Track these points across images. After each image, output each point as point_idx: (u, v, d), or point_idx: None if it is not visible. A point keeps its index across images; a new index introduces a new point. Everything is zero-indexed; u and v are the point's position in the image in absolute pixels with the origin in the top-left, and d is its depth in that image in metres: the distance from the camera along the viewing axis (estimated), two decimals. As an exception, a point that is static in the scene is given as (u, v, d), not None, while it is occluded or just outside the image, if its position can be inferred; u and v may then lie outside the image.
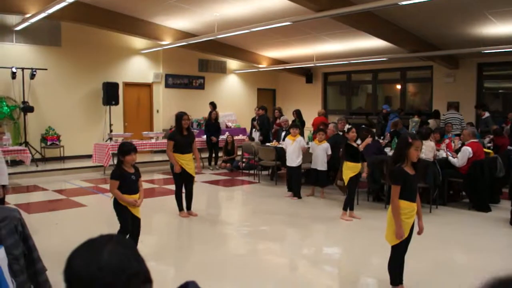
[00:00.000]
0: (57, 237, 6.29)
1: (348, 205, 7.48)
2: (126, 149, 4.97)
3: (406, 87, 17.02)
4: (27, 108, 12.44)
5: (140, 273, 1.24)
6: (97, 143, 12.30)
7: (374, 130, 11.37)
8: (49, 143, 13.13)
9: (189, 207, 7.61)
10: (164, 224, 7.50)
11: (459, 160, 8.20)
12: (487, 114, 12.37)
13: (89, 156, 12.64)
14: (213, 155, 13.26)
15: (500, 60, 13.99)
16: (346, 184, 7.57)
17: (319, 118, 13.39)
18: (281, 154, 10.03)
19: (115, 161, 8.26)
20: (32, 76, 12.57)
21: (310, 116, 14.54)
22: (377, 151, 8.67)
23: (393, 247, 4.38)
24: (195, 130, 12.78)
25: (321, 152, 9.04)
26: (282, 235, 6.85)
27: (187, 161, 7.35)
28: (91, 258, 1.21)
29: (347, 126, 8.37)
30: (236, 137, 14.01)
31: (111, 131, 13.89)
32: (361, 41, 13.37)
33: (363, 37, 12.55)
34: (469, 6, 9.80)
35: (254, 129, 13.82)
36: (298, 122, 12.20)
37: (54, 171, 11.96)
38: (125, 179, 4.95)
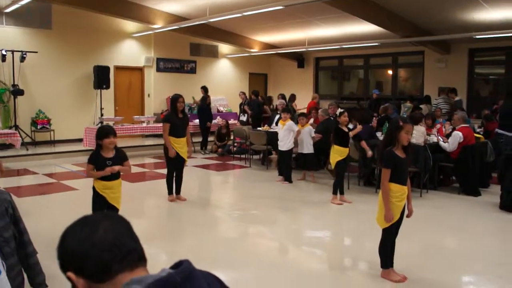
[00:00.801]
0: (47, 221, 6.28)
1: (337, 189, 7.51)
2: (103, 131, 4.74)
3: (398, 72, 17.05)
4: (17, 91, 12.33)
5: (135, 250, 1.24)
6: (88, 127, 12.23)
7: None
8: (39, 126, 13.04)
9: (178, 191, 7.58)
10: (155, 208, 7.51)
11: (450, 145, 8.24)
12: (457, 98, 12.60)
13: (80, 140, 12.58)
14: (206, 141, 13.26)
15: (491, 45, 14.03)
16: (333, 167, 7.60)
17: (312, 102, 13.44)
18: (272, 138, 10.04)
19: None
20: (22, 59, 12.43)
21: (302, 101, 14.56)
22: (369, 135, 8.69)
23: (384, 230, 4.41)
24: (186, 115, 12.74)
25: (305, 135, 9.07)
26: (272, 219, 6.88)
27: (181, 145, 7.31)
28: (86, 234, 1.20)
29: (339, 110, 8.37)
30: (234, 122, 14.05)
31: (102, 115, 13.81)
32: (353, 26, 13.34)
33: (355, 22, 12.52)
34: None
35: (242, 113, 13.92)
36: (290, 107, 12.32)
37: (44, 155, 11.88)
38: (99, 164, 4.75)
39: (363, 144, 7.69)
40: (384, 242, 4.43)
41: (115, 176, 4.88)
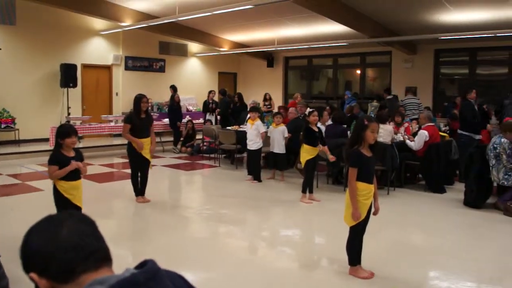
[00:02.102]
0: (12, 223, 6.15)
1: (307, 188, 7.56)
2: (65, 131, 4.63)
3: (366, 72, 17.26)
4: (-20, 90, 12.05)
5: (99, 250, 1.23)
6: (54, 126, 11.96)
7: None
8: (3, 126, 12.72)
9: (142, 193, 7.44)
10: (123, 208, 7.42)
11: (416, 143, 8.40)
12: (389, 96, 13.16)
13: (46, 140, 12.33)
14: (179, 138, 13.22)
15: (455, 46, 14.35)
16: (302, 166, 7.65)
17: (293, 101, 13.54)
18: (241, 137, 10.04)
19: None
20: (-15, 56, 12.15)
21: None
22: (341, 134, 8.77)
23: (351, 228, 4.46)
24: (155, 114, 12.65)
25: (278, 135, 9.10)
26: (242, 218, 6.89)
27: (145, 145, 7.17)
28: (50, 234, 1.19)
29: (308, 109, 8.41)
30: (197, 121, 13.96)
31: (69, 114, 13.59)
32: (322, 26, 13.46)
33: (324, 22, 12.63)
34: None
35: (208, 113, 13.92)
36: (241, 106, 12.50)
37: (8, 155, 11.61)
38: (63, 164, 4.64)
39: (325, 149, 7.69)
40: (352, 240, 4.49)
41: (78, 176, 4.79)
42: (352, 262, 4.51)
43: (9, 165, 10.71)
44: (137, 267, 1.20)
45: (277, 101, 17.64)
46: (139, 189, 7.42)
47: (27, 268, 1.20)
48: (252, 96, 15.37)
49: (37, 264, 1.18)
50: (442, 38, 12.59)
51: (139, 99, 7.18)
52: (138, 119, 7.15)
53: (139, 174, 7.38)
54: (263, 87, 17.77)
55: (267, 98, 14.50)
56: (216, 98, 14.67)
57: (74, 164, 4.65)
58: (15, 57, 13.26)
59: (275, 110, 13.00)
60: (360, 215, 4.32)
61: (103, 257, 1.23)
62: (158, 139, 12.14)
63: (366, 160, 4.34)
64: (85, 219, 1.28)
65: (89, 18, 14.30)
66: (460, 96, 9.89)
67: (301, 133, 7.74)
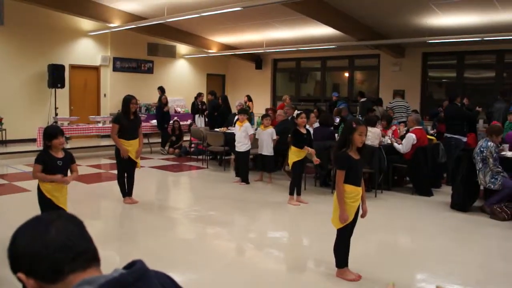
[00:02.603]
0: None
1: (294, 190, 7.58)
2: (52, 132, 4.58)
3: (354, 75, 17.34)
4: (-34, 90, 11.94)
5: (87, 250, 1.23)
6: (42, 127, 11.91)
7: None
8: (-10, 126, 12.65)
9: (130, 193, 7.42)
10: (110, 210, 7.38)
11: (404, 146, 8.44)
12: (362, 99, 13.71)
13: (33, 140, 12.23)
14: (167, 139, 13.17)
15: (443, 50, 14.44)
16: (290, 167, 7.67)
17: (282, 104, 13.56)
18: (229, 139, 10.04)
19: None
20: (-28, 56, 12.04)
21: (259, 103, 14.64)
22: (328, 137, 8.79)
23: (339, 231, 4.48)
24: (142, 115, 12.61)
25: (266, 137, 9.11)
26: (230, 220, 6.88)
27: (132, 147, 7.15)
28: (38, 235, 1.19)
29: (296, 112, 8.42)
30: (185, 123, 13.93)
31: (56, 114, 13.50)
32: (311, 29, 13.50)
33: (312, 25, 12.67)
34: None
35: (198, 115, 13.87)
36: (225, 108, 12.43)
37: (-5, 155, 11.54)
38: (50, 164, 4.59)
39: (312, 151, 7.66)
40: (339, 242, 4.50)
41: None
42: (339, 264, 4.53)
43: (-5, 165, 10.62)
44: (125, 268, 1.20)
45: (266, 103, 17.68)
46: (126, 190, 7.40)
47: (15, 268, 1.19)
48: (240, 98, 15.36)
49: (25, 264, 1.18)
50: (430, 41, 12.69)
51: (128, 101, 7.13)
52: (127, 120, 7.11)
53: (125, 175, 7.35)
54: (251, 89, 17.79)
55: (245, 101, 14.58)
56: (204, 99, 14.64)
57: (59, 178, 4.61)
58: (2, 57, 13.16)
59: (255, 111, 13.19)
60: (347, 218, 4.34)
61: (91, 258, 1.23)
62: (146, 140, 12.13)
63: (354, 163, 4.36)
64: (74, 219, 1.27)
65: (77, 18, 14.23)
66: (449, 98, 9.97)
67: (289, 135, 7.75)
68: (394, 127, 9.92)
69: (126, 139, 7.09)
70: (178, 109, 17.33)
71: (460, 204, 7.28)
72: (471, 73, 14.62)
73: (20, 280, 1.18)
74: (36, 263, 1.16)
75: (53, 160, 4.60)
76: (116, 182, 7.50)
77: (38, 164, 4.60)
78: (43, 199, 4.73)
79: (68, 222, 1.24)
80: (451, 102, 9.79)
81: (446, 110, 10.05)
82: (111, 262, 4.68)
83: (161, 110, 13.18)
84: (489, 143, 7.11)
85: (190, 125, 13.51)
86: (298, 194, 7.63)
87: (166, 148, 13.11)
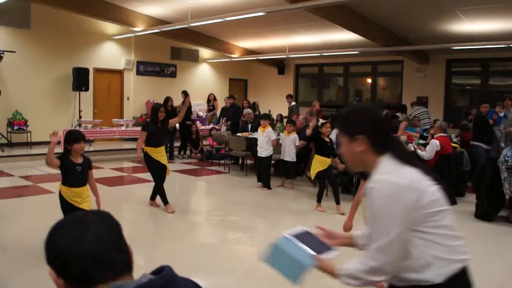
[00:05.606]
0: (22, 224, 6.17)
1: (321, 197, 7.60)
2: (74, 137, 4.65)
3: (377, 81, 17.22)
4: (-7, 92, 12.15)
5: (120, 262, 1.22)
6: (66, 129, 12.05)
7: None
8: (15, 128, 12.82)
9: (153, 197, 7.49)
10: (133, 213, 7.43)
11: (427, 153, 8.34)
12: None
13: (58, 143, 12.34)
14: (186, 144, 13.22)
15: (467, 56, 14.28)
16: (313, 177, 7.66)
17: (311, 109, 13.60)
18: (251, 144, 10.05)
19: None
20: (0, 58, 12.24)
21: (281, 109, 14.60)
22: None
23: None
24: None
25: (289, 143, 9.09)
26: (251, 225, 6.88)
27: (161, 154, 7.21)
28: (73, 237, 1.18)
29: (321, 120, 8.41)
30: (206, 127, 13.98)
31: (80, 117, 13.66)
32: (334, 34, 13.45)
33: (335, 30, 12.62)
34: (440, 2, 9.95)
35: (222, 118, 13.86)
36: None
37: (20, 157, 11.70)
38: (69, 170, 4.66)
39: (336, 160, 7.69)
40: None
41: (82, 182, 4.79)
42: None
43: (21, 166, 10.78)
44: (153, 273, 1.20)
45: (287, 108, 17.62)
46: (151, 194, 7.46)
47: (49, 263, 1.20)
48: (262, 103, 15.40)
49: (57, 265, 1.18)
50: (454, 48, 12.55)
51: (156, 109, 7.23)
52: (155, 128, 7.21)
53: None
54: (273, 95, 17.80)
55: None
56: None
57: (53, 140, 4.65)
58: (28, 61, 13.37)
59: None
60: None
61: (124, 268, 1.23)
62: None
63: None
64: (113, 225, 1.27)
65: (102, 22, 14.38)
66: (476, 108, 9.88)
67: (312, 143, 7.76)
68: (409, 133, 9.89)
69: (154, 146, 7.15)
70: (200, 113, 17.38)
71: (485, 213, 7.17)
72: (496, 80, 14.43)
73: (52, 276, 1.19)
74: (67, 268, 1.17)
75: (72, 166, 4.67)
76: (138, 185, 7.55)
77: (56, 159, 4.67)
78: (64, 204, 4.79)
79: (106, 228, 1.24)
80: (478, 110, 9.67)
81: (475, 118, 9.93)
82: (135, 265, 4.69)
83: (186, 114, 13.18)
84: (514, 152, 6.99)
85: (210, 129, 13.53)
86: (318, 201, 7.62)
87: (188, 152, 13.13)
